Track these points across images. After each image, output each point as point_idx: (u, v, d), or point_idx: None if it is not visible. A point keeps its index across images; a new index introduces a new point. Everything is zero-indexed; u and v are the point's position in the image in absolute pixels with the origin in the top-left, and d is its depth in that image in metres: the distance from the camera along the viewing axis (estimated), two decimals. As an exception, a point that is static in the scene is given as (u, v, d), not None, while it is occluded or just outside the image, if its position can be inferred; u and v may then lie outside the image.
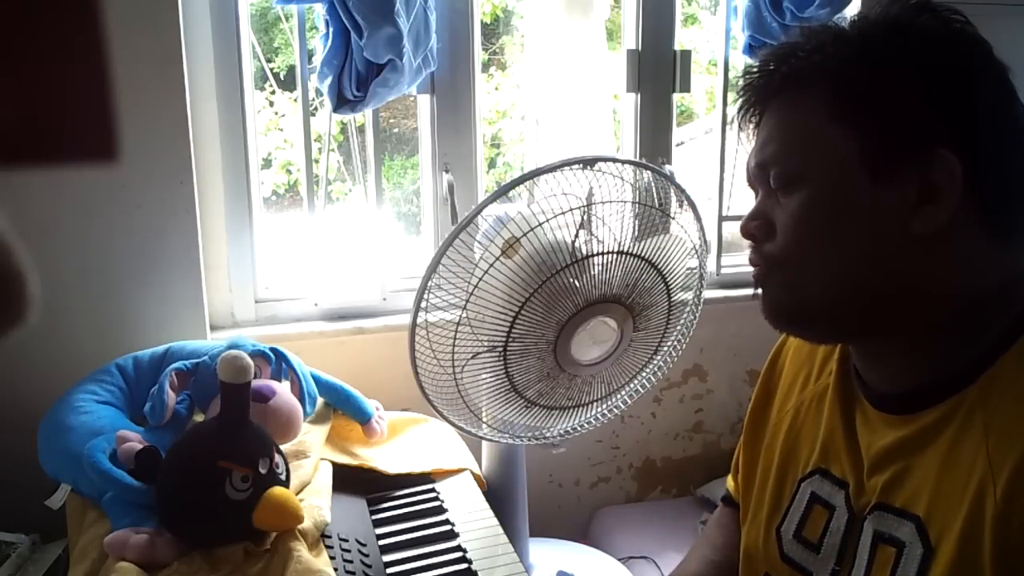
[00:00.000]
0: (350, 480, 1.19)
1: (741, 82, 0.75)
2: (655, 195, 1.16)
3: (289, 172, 3.69)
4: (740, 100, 0.74)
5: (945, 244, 0.64)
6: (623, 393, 1.30)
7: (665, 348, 1.28)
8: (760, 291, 0.74)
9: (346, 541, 1.04)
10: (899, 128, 0.64)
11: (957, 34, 0.66)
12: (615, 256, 1.11)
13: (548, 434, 1.29)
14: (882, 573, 0.66)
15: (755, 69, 0.74)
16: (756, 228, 0.72)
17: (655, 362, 1.29)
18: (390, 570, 1.03)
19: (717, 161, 1.83)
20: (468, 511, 1.17)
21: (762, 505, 0.82)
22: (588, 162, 1.10)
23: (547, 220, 1.09)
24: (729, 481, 0.99)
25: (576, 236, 1.10)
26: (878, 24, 0.68)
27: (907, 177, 0.64)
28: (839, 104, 0.66)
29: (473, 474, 1.28)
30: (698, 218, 1.21)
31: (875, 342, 0.71)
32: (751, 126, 0.75)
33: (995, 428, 0.61)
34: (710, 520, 1.02)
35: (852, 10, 1.76)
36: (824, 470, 0.76)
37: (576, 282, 1.10)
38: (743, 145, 1.85)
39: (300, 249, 1.57)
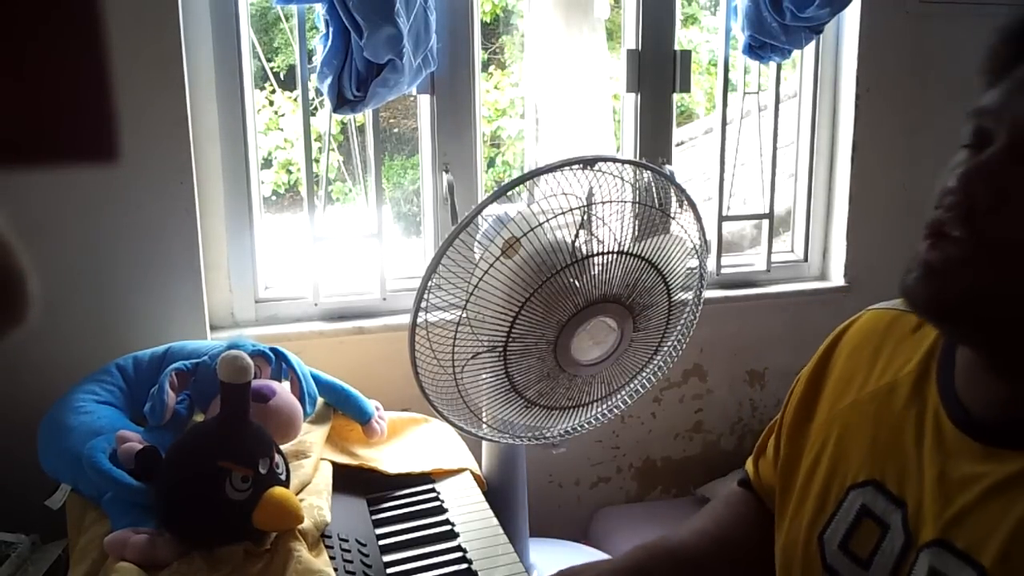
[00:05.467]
0: (350, 480, 1.19)
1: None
2: (655, 195, 1.16)
3: (289, 172, 3.69)
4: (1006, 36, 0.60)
5: None
6: (623, 393, 1.30)
7: (665, 348, 1.28)
8: (929, 269, 0.58)
9: (346, 541, 1.04)
10: None
11: None
12: (615, 256, 1.11)
13: (548, 434, 1.29)
14: None
15: None
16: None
17: (655, 362, 1.29)
18: (390, 570, 1.03)
19: (717, 161, 1.83)
20: (468, 511, 1.17)
21: (804, 505, 0.76)
22: (588, 162, 1.10)
23: (547, 220, 1.09)
24: (749, 464, 0.90)
25: (576, 236, 1.10)
26: None
27: None
28: None
29: (473, 474, 1.28)
30: (698, 218, 1.21)
31: (1010, 354, 0.60)
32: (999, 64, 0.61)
33: None
34: (717, 497, 0.93)
35: (852, 10, 1.76)
36: (879, 483, 0.68)
37: (576, 282, 1.10)
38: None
39: (300, 249, 1.57)
